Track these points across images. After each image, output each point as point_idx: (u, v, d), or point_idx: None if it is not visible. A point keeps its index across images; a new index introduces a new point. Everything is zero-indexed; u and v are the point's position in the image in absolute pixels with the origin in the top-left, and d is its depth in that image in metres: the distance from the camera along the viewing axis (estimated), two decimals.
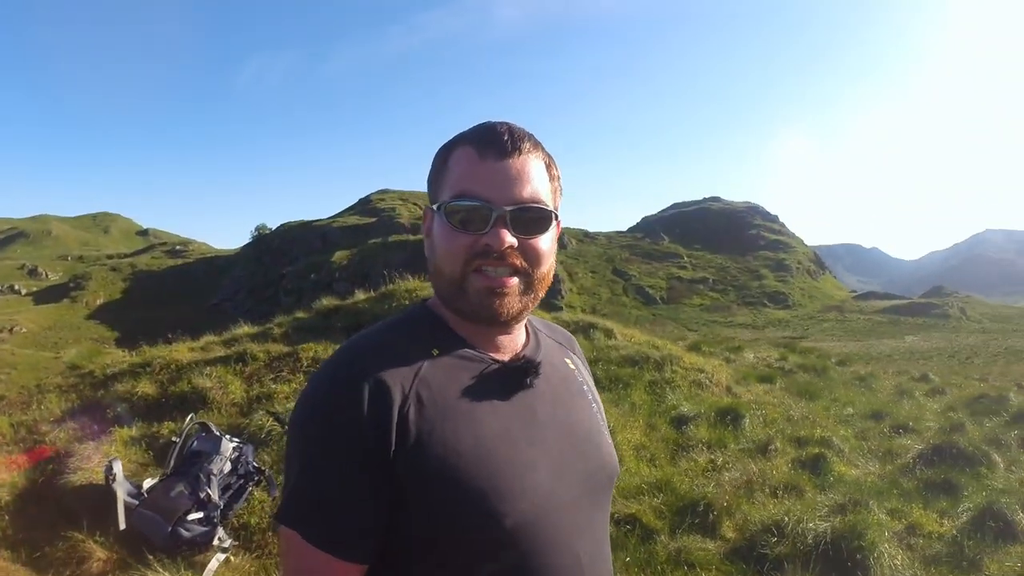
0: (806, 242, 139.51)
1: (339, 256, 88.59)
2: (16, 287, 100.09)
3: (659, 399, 10.80)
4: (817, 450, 8.61)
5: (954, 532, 6.36)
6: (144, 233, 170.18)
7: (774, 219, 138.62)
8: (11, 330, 70.69)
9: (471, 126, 1.49)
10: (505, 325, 1.50)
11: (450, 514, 1.31)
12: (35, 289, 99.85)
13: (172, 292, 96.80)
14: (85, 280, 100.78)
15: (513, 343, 1.56)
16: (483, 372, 1.46)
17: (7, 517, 6.18)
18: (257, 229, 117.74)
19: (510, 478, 1.36)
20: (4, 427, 8.39)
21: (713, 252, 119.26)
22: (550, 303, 68.84)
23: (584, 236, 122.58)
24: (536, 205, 1.43)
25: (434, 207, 1.48)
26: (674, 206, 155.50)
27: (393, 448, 1.30)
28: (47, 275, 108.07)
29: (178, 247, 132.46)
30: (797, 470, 8.00)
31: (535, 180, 1.44)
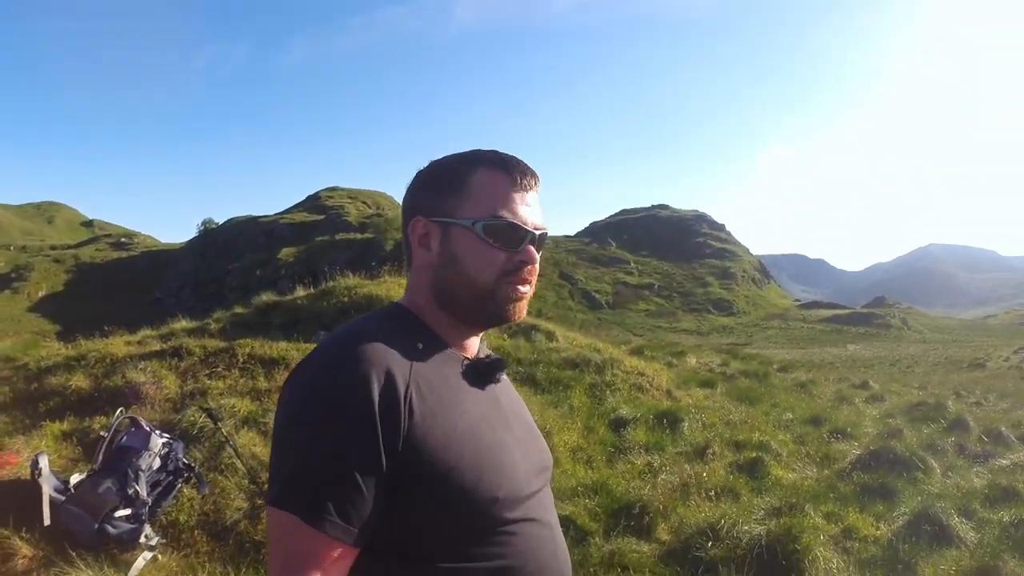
0: (752, 251, 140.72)
1: (285, 253, 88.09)
2: None
3: (599, 401, 10.82)
4: (755, 454, 8.66)
5: (890, 536, 6.37)
6: (89, 224, 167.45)
7: (720, 228, 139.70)
8: None
9: (480, 149, 1.66)
10: (506, 325, 1.75)
11: (453, 493, 1.41)
12: None
13: (116, 285, 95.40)
14: (27, 271, 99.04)
15: (476, 346, 1.71)
16: (462, 366, 1.61)
17: None
18: (203, 224, 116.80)
19: (499, 458, 1.51)
20: None
21: (660, 259, 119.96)
22: None
23: None
24: (545, 231, 1.67)
25: (466, 222, 1.59)
26: (622, 212, 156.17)
27: (400, 435, 1.37)
28: None
29: (123, 240, 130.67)
30: (734, 473, 8.02)
31: (541, 210, 1.67)
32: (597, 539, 6.04)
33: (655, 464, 8.14)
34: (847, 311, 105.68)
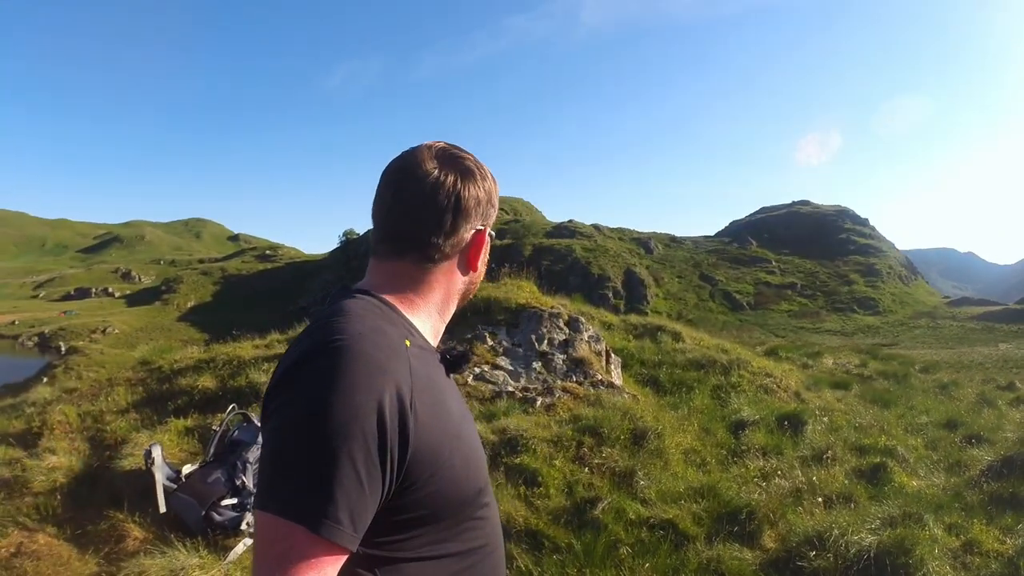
0: (898, 247, 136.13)
1: None
2: (110, 290, 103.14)
3: (722, 403, 10.63)
4: (878, 459, 8.31)
5: (1012, 552, 5.96)
6: (235, 238, 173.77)
7: (864, 223, 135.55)
8: (104, 331, 72.73)
9: (488, 164, 1.74)
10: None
11: (448, 490, 1.48)
12: (128, 292, 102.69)
13: (261, 295, 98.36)
14: (176, 283, 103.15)
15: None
16: (439, 360, 1.65)
17: (59, 497, 6.50)
18: (345, 234, 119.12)
19: (475, 450, 1.62)
20: (72, 416, 8.85)
21: (802, 257, 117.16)
22: (635, 307, 68.15)
23: (671, 241, 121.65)
24: None
25: (491, 231, 1.73)
26: (762, 210, 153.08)
27: (411, 442, 1.39)
28: (140, 278, 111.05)
29: (268, 252, 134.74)
30: (853, 480, 7.72)
31: None
32: (698, 544, 5.87)
33: (770, 468, 7.91)
34: (999, 308, 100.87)
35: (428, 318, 1.67)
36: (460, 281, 1.72)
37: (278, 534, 1.29)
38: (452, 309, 1.74)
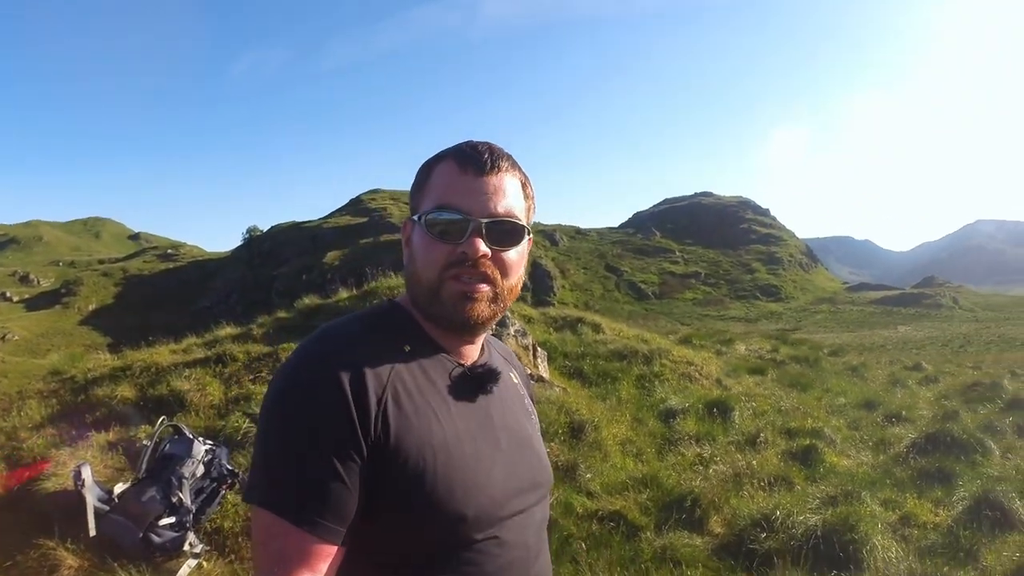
0: (798, 235, 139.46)
1: (331, 257, 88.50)
2: (7, 294, 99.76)
3: (647, 393, 10.72)
4: (808, 441, 8.51)
5: (949, 522, 6.19)
6: (135, 237, 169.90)
7: (765, 213, 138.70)
8: (3, 338, 70.35)
9: (456, 143, 1.60)
10: (473, 331, 1.58)
11: (421, 505, 1.38)
12: (27, 296, 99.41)
13: (164, 296, 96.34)
14: (77, 286, 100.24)
15: (474, 352, 1.66)
16: (451, 373, 1.56)
17: None
18: (248, 231, 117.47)
19: (474, 473, 1.47)
20: None
21: (705, 247, 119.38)
22: (542, 300, 68.61)
23: (576, 233, 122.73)
24: (510, 219, 1.53)
25: (415, 218, 1.58)
26: (665, 201, 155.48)
27: (372, 437, 1.36)
28: (39, 281, 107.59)
29: (169, 251, 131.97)
30: (787, 462, 7.88)
31: (510, 196, 1.55)
32: (648, 534, 5.93)
33: (706, 455, 8.02)
34: (896, 292, 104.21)
35: (426, 316, 1.57)
36: (409, 274, 1.58)
37: (263, 524, 1.33)
38: (424, 310, 1.56)
